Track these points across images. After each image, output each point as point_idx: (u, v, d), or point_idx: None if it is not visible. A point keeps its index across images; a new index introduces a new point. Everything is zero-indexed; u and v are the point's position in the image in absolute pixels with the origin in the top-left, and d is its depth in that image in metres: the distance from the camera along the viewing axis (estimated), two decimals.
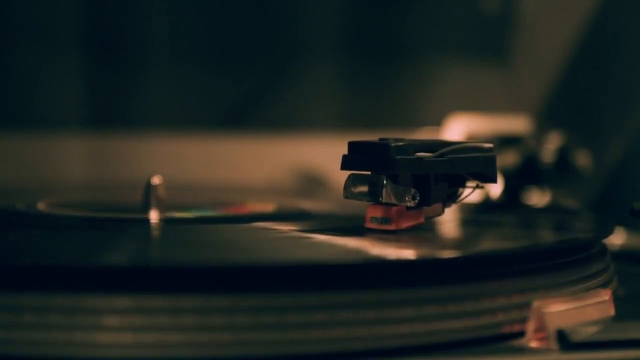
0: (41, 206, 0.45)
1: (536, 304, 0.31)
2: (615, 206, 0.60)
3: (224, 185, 0.63)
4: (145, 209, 0.42)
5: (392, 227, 0.36)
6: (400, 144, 0.35)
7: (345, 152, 0.36)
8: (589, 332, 0.31)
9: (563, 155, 0.55)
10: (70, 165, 0.66)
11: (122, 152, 0.67)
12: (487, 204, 0.51)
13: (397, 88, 0.72)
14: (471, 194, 0.38)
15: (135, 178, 0.50)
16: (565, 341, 0.30)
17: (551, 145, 0.55)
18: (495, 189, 0.52)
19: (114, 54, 0.68)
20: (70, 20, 0.67)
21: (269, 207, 0.47)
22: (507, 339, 0.31)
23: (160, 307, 0.28)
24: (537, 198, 0.54)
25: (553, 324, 0.31)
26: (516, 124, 0.59)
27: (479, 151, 0.37)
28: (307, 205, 0.48)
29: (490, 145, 0.37)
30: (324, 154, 0.60)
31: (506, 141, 0.56)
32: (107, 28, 0.68)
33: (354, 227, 0.37)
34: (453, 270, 0.31)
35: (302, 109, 0.71)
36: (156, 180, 0.43)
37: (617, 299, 0.34)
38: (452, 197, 0.38)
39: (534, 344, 0.31)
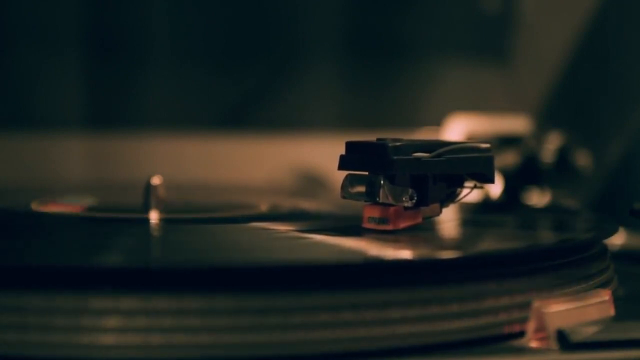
0: (41, 206, 0.45)
1: (536, 304, 0.31)
2: (615, 206, 0.60)
3: (224, 185, 0.63)
4: (145, 209, 0.42)
5: (389, 227, 0.36)
6: (398, 144, 0.35)
7: (344, 152, 0.36)
8: (589, 332, 0.31)
9: (563, 155, 0.55)
10: (70, 165, 0.66)
11: (122, 152, 0.67)
12: (487, 204, 0.51)
13: (397, 88, 0.72)
14: (469, 194, 0.38)
15: (135, 178, 0.50)
16: (565, 341, 0.30)
17: (551, 145, 0.55)
18: (495, 189, 0.52)
19: (114, 54, 0.68)
20: (70, 20, 0.67)
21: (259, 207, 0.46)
22: (507, 339, 0.31)
23: (159, 307, 0.28)
24: (537, 198, 0.54)
25: (553, 324, 0.31)
26: (516, 124, 0.59)
27: (476, 151, 0.37)
28: (307, 205, 0.48)
29: (488, 145, 0.37)
30: (324, 154, 0.60)
31: (506, 141, 0.56)
32: (107, 28, 0.68)
33: (351, 227, 0.37)
34: (452, 270, 0.31)
35: (302, 109, 0.71)
36: (156, 180, 0.43)
37: (617, 299, 0.34)
38: (450, 197, 0.38)
39: (534, 344, 0.31)
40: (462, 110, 0.61)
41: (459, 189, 0.38)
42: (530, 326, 0.31)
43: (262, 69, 0.71)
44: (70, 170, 0.66)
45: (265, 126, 0.70)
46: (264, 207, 0.46)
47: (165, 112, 0.69)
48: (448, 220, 0.41)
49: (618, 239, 0.48)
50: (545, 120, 0.65)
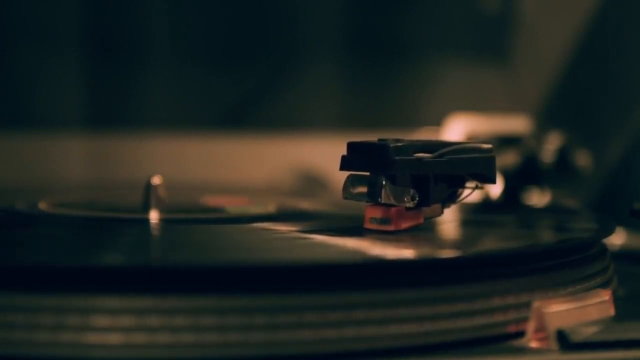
0: (41, 206, 0.45)
1: (536, 304, 0.31)
2: (615, 206, 0.60)
3: (224, 185, 0.63)
4: (145, 209, 0.42)
5: (391, 227, 0.36)
6: (399, 144, 0.35)
7: (345, 152, 0.36)
8: (589, 332, 0.31)
9: (563, 155, 0.55)
10: (70, 165, 0.66)
11: (122, 152, 0.67)
12: (487, 204, 0.51)
13: (397, 88, 0.72)
14: (470, 195, 0.38)
15: (135, 178, 0.50)
16: (565, 341, 0.30)
17: (551, 145, 0.55)
18: (495, 189, 0.52)
19: (114, 54, 0.68)
20: (70, 20, 0.67)
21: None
22: (507, 339, 0.31)
23: (159, 307, 0.28)
24: (537, 198, 0.54)
25: (553, 324, 0.31)
26: (516, 124, 0.59)
27: (478, 152, 0.37)
28: (307, 205, 0.48)
29: (490, 145, 0.37)
30: (324, 154, 0.60)
31: (506, 141, 0.56)
32: (107, 28, 0.68)
33: (353, 227, 0.37)
34: (453, 270, 0.31)
35: (302, 109, 0.71)
36: (156, 180, 0.43)
37: (617, 299, 0.34)
38: (451, 197, 0.38)
39: (534, 344, 0.31)
40: (462, 110, 0.61)
41: (460, 190, 0.38)
42: (531, 326, 0.31)
43: (262, 69, 0.71)
44: (70, 170, 0.66)
45: (265, 126, 0.70)
46: (264, 208, 0.46)
47: (165, 112, 0.69)
48: (449, 220, 0.41)
49: (618, 239, 0.48)
50: (545, 120, 0.65)
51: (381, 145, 0.35)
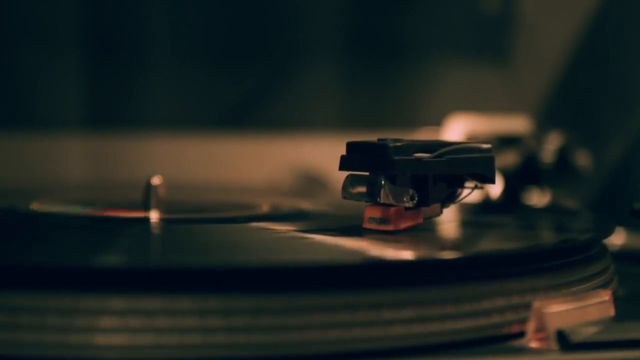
0: (40, 206, 0.45)
1: (536, 304, 0.31)
2: (615, 206, 0.60)
3: (224, 185, 0.63)
4: (145, 209, 0.42)
5: (390, 227, 0.36)
6: (399, 144, 0.35)
7: (345, 152, 0.36)
8: (589, 333, 0.31)
9: (563, 155, 0.55)
10: (70, 165, 0.66)
11: (122, 152, 0.67)
12: (487, 204, 0.51)
13: (397, 88, 0.72)
14: (470, 195, 0.38)
15: (135, 178, 0.50)
16: (565, 341, 0.30)
17: (551, 145, 0.55)
18: (495, 189, 0.52)
19: (114, 54, 0.68)
20: (70, 20, 0.67)
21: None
22: (507, 339, 0.31)
23: (159, 308, 0.28)
24: (537, 198, 0.54)
25: (553, 325, 0.31)
26: (516, 124, 0.59)
27: (477, 152, 0.37)
28: (307, 205, 0.48)
29: (489, 145, 0.37)
30: (324, 154, 0.60)
31: (506, 141, 0.56)
32: (107, 28, 0.68)
33: (352, 227, 0.37)
34: (453, 270, 0.31)
35: (302, 109, 0.71)
36: (156, 180, 0.43)
37: (617, 299, 0.34)
38: (450, 197, 0.38)
39: (534, 345, 0.31)
40: (462, 110, 0.61)
41: (459, 190, 0.38)
42: (531, 326, 0.31)
43: (262, 69, 0.71)
44: (70, 170, 0.66)
45: (265, 126, 0.70)
46: (264, 207, 0.46)
47: (165, 112, 0.69)
48: (448, 220, 0.41)
49: (618, 239, 0.48)
50: (545, 120, 0.65)
51: (380, 145, 0.35)
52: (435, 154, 0.36)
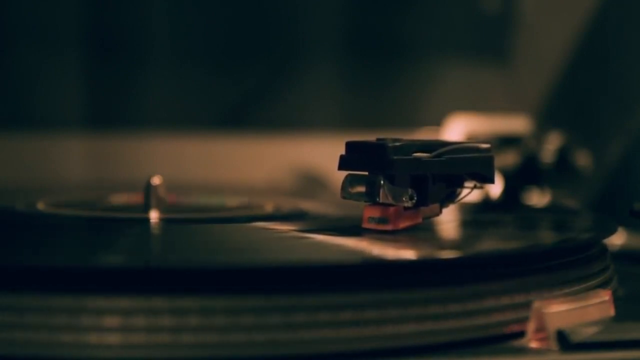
0: (41, 206, 0.45)
1: (536, 304, 0.31)
2: (615, 206, 0.60)
3: (224, 185, 0.63)
4: (145, 209, 0.42)
5: (389, 227, 0.36)
6: (398, 144, 0.35)
7: (344, 152, 0.36)
8: (589, 333, 0.31)
9: (563, 155, 0.55)
10: (70, 165, 0.66)
11: (122, 152, 0.67)
12: (487, 204, 0.51)
13: (397, 88, 0.72)
14: (469, 195, 0.38)
15: (135, 178, 0.50)
16: (565, 341, 0.30)
17: (551, 145, 0.55)
18: (495, 189, 0.52)
19: (114, 54, 0.68)
20: (70, 20, 0.67)
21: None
22: (507, 339, 0.31)
23: (159, 307, 0.28)
24: (537, 198, 0.54)
25: (553, 325, 0.31)
26: (516, 124, 0.59)
27: (476, 151, 0.37)
28: (307, 205, 0.48)
29: (488, 145, 0.37)
30: (324, 154, 0.60)
31: (506, 141, 0.56)
32: (107, 28, 0.68)
33: (351, 227, 0.37)
34: (452, 270, 0.31)
35: (302, 109, 0.71)
36: (156, 180, 0.43)
37: (617, 299, 0.34)
38: (449, 197, 0.38)
39: (534, 345, 0.31)
40: (462, 110, 0.61)
41: (458, 189, 0.38)
42: (531, 326, 0.31)
43: (262, 69, 0.71)
44: (70, 170, 0.66)
45: (265, 126, 0.70)
46: (264, 207, 0.46)
47: (165, 112, 0.69)
48: (448, 220, 0.41)
49: (618, 239, 0.48)
50: (545, 120, 0.65)
51: (379, 145, 0.35)
52: (434, 153, 0.36)
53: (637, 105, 0.62)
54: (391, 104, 0.72)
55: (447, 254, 0.34)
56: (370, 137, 0.37)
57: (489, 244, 0.38)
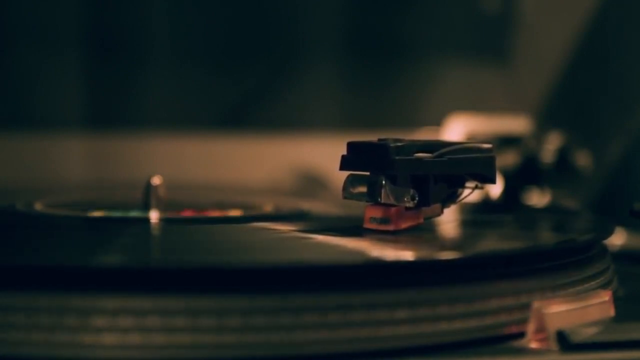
0: (40, 206, 0.45)
1: (536, 304, 0.31)
2: (615, 206, 0.60)
3: (224, 185, 0.63)
4: (145, 209, 0.42)
5: (391, 227, 0.36)
6: (399, 144, 0.35)
7: (345, 152, 0.36)
8: (589, 333, 0.31)
9: (563, 155, 0.55)
10: (70, 165, 0.66)
11: (122, 152, 0.67)
12: (487, 205, 0.51)
13: (397, 88, 0.72)
14: (470, 195, 0.38)
15: (135, 178, 0.50)
16: (565, 342, 0.30)
17: (551, 145, 0.55)
18: (495, 189, 0.52)
19: (114, 54, 0.68)
20: (70, 20, 0.67)
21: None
22: (507, 339, 0.31)
23: (158, 308, 0.28)
24: (537, 198, 0.54)
25: (553, 325, 0.31)
26: (516, 124, 0.59)
27: (478, 152, 0.37)
28: (307, 205, 0.48)
29: (490, 145, 0.37)
30: (324, 154, 0.60)
31: (506, 141, 0.56)
32: (107, 28, 0.68)
33: (353, 227, 0.37)
34: (453, 271, 0.31)
35: (302, 109, 0.71)
36: (156, 180, 0.43)
37: (617, 300, 0.34)
38: (451, 197, 0.38)
39: (534, 345, 0.31)
40: (462, 110, 0.61)
41: (460, 190, 0.38)
42: (531, 327, 0.31)
43: (262, 69, 0.71)
44: (70, 170, 0.66)
45: (265, 126, 0.70)
46: (264, 207, 0.46)
47: (165, 112, 0.69)
48: (449, 220, 0.41)
49: (618, 239, 0.48)
50: (545, 120, 0.65)
51: (381, 145, 0.35)
52: (435, 154, 0.36)
53: (637, 105, 0.62)
54: (391, 104, 0.72)
55: (448, 255, 0.34)
56: (371, 137, 0.37)
57: (489, 245, 0.38)
